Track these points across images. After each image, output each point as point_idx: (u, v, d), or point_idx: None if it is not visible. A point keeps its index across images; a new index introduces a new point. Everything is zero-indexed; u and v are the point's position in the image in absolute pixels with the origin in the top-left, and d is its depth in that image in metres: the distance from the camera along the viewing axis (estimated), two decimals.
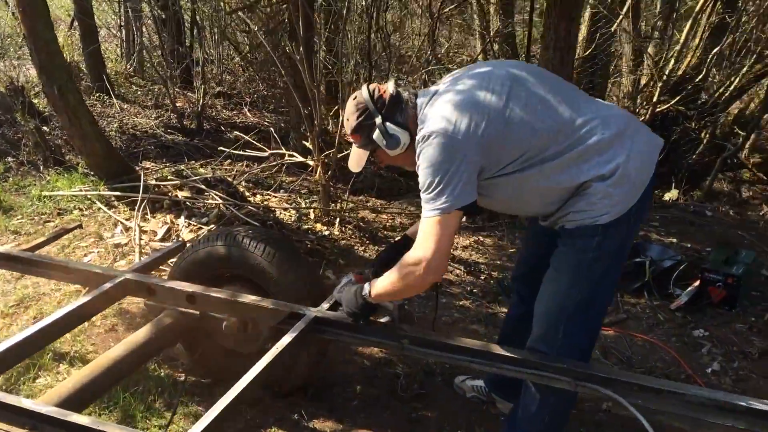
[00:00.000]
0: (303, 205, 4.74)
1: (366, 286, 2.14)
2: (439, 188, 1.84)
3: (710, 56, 5.51)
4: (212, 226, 4.00)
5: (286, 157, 4.57)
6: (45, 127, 5.91)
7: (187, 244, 3.12)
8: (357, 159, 2.10)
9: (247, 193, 4.76)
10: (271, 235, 2.72)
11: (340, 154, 4.40)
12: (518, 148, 1.90)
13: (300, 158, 4.43)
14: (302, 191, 5.01)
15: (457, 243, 4.31)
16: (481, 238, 4.42)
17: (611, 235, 1.96)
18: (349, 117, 2.04)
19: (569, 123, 1.91)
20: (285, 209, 4.53)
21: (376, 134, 1.99)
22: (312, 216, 4.47)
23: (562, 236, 2.03)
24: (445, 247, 1.89)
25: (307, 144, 4.53)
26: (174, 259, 3.00)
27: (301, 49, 4.10)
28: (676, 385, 1.91)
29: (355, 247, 4.14)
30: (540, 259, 2.15)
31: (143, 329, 2.49)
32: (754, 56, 5.51)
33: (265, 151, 4.72)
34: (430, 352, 2.23)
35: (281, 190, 5.02)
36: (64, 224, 4.06)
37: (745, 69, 5.52)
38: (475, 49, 7.85)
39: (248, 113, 7.89)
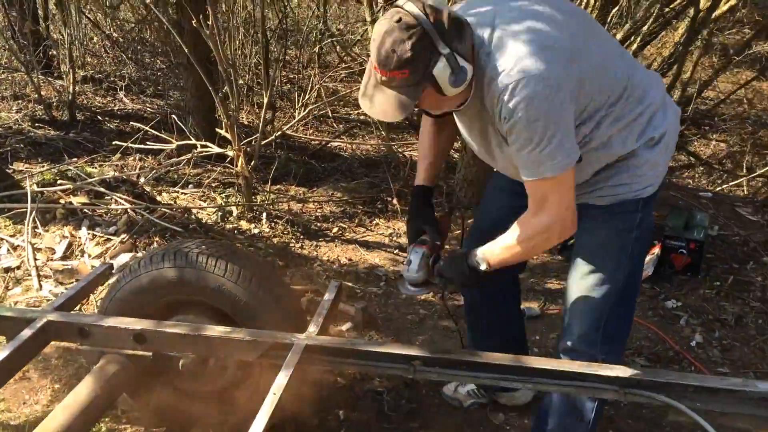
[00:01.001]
0: (219, 201, 4.23)
1: (477, 256, 1.81)
2: (555, 141, 1.56)
3: None
4: (123, 236, 3.42)
5: (198, 148, 4.02)
6: None
7: (116, 267, 2.59)
8: (398, 104, 1.56)
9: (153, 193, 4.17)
10: (232, 249, 2.28)
11: (264, 141, 3.94)
12: (595, 100, 1.66)
13: (217, 149, 3.92)
14: (214, 185, 4.48)
15: (398, 230, 4.02)
16: None
17: (650, 209, 1.84)
18: (395, 44, 1.49)
19: (631, 77, 1.71)
20: (203, 208, 4.01)
21: (439, 67, 1.53)
22: (235, 213, 3.98)
23: (588, 214, 1.82)
24: (573, 202, 1.68)
25: (222, 132, 4.02)
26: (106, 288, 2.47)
27: (210, 21, 3.57)
28: (732, 382, 1.74)
29: (291, 245, 3.73)
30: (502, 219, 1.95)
31: (83, 385, 1.98)
32: None
33: (171, 142, 4.14)
34: (449, 372, 1.93)
35: (189, 186, 4.46)
36: None
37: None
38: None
39: (126, 99, 7.08)
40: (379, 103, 1.58)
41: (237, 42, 6.85)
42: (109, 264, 2.49)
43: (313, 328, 2.06)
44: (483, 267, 1.80)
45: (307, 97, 5.73)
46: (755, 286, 3.22)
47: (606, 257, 1.86)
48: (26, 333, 2.01)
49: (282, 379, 1.80)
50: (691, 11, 4.75)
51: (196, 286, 2.16)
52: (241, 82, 6.19)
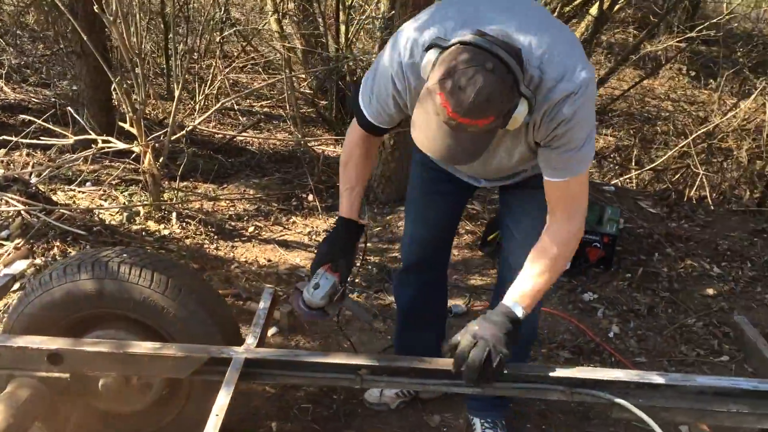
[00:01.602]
0: (122, 200, 3.96)
1: (510, 305, 1.69)
2: (591, 139, 1.62)
3: None
4: (18, 241, 3.12)
5: (100, 144, 3.73)
6: None
7: (11, 274, 2.34)
8: (473, 149, 1.45)
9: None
10: (157, 257, 2.11)
11: (174, 136, 3.72)
12: None
13: (121, 145, 3.65)
14: (115, 183, 4.19)
15: (316, 228, 3.93)
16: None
17: None
18: (488, 95, 1.35)
19: None
20: (107, 209, 3.73)
21: (520, 110, 1.44)
22: (141, 213, 3.74)
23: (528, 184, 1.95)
24: None
25: (125, 126, 3.75)
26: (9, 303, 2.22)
27: (114, 6, 3.30)
28: (672, 377, 1.81)
29: (205, 246, 3.55)
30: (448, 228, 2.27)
31: None
32: None
33: (67, 136, 3.82)
34: (397, 380, 1.88)
35: (87, 184, 4.15)
36: None
37: None
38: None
39: (6, 88, 6.48)
40: (447, 146, 1.43)
41: (135, 28, 6.46)
42: (11, 275, 2.25)
43: (251, 340, 1.96)
44: (521, 314, 1.69)
45: (209, 88, 5.49)
46: (662, 276, 3.41)
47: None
48: None
49: (223, 399, 1.69)
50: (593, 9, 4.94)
51: (118, 299, 1.98)
52: (137, 71, 5.84)
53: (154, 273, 1.99)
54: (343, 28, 5.93)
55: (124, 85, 3.48)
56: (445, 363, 1.87)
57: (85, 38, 3.77)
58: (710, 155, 5.89)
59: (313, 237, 3.78)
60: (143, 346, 1.87)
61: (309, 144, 5.19)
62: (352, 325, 2.95)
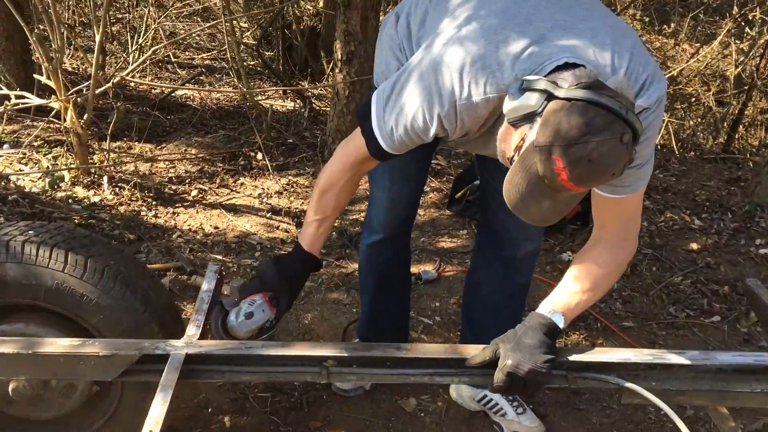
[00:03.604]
0: (45, 164, 3.51)
1: (552, 314, 1.47)
2: (654, 154, 1.45)
3: None
4: None
5: (13, 100, 3.25)
6: None
7: None
8: (565, 207, 1.27)
9: None
10: (73, 233, 1.74)
11: (98, 90, 3.27)
12: None
13: (37, 100, 3.19)
14: (36, 144, 3.72)
15: (267, 189, 3.56)
16: (292, 179, 3.72)
17: None
18: (614, 167, 1.16)
19: None
20: (26, 174, 3.28)
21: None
22: (67, 178, 3.30)
23: None
24: None
25: (42, 79, 3.28)
26: None
27: None
28: (689, 355, 1.56)
29: (143, 213, 3.16)
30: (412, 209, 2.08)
31: None
32: None
33: None
34: (371, 372, 1.59)
35: (4, 146, 3.66)
36: None
37: None
38: None
39: None
40: (548, 208, 1.23)
41: None
42: None
43: (193, 331, 1.63)
44: (562, 324, 1.49)
45: (143, 38, 4.98)
46: (643, 231, 3.19)
47: None
48: None
49: (158, 409, 1.36)
50: None
51: (25, 286, 1.62)
52: (50, 13, 5.26)
53: (69, 253, 1.63)
54: None
55: (36, 32, 3.01)
56: (426, 350, 1.61)
57: None
58: (674, 101, 5.72)
59: (264, 200, 3.43)
60: (58, 345, 1.52)
61: (255, 98, 4.75)
62: (311, 298, 2.65)
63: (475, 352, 1.53)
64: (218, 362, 1.56)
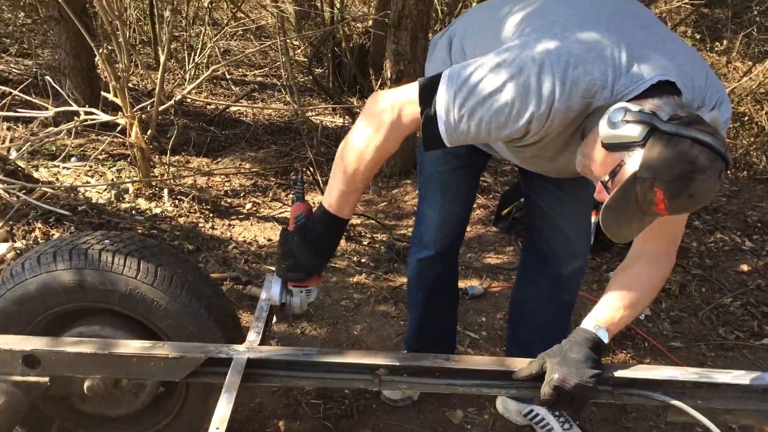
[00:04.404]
0: (110, 176, 3.70)
1: (596, 329, 1.51)
2: None
3: None
4: None
5: (82, 116, 3.45)
6: None
7: None
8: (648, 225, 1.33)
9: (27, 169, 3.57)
10: (144, 243, 1.86)
11: (162, 107, 3.45)
12: None
13: (105, 116, 3.37)
14: (102, 158, 3.92)
15: (317, 203, 3.66)
16: None
17: None
18: (708, 196, 1.24)
19: None
20: (93, 186, 3.47)
21: None
22: (131, 190, 3.48)
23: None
24: None
25: (109, 96, 3.47)
26: None
27: None
28: (735, 374, 1.59)
29: (200, 225, 3.30)
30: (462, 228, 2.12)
31: None
32: None
33: (47, 108, 3.53)
34: (420, 381, 1.66)
35: (72, 159, 3.88)
36: None
37: None
38: None
39: None
40: (635, 229, 1.30)
41: None
42: None
43: (253, 337, 1.72)
44: (607, 339, 1.53)
45: (199, 57, 5.20)
46: (692, 251, 3.19)
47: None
48: None
49: (224, 409, 1.46)
50: None
51: (102, 291, 1.75)
52: (119, 36, 5.53)
53: (141, 261, 1.75)
54: None
55: (105, 52, 3.19)
56: (474, 362, 1.66)
57: (60, 1, 3.46)
58: None
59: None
60: (131, 346, 1.63)
61: (306, 114, 4.90)
62: (360, 310, 2.73)
63: (522, 365, 1.58)
64: (277, 367, 1.65)
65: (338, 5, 6.08)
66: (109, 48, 3.64)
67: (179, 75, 5.93)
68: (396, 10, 3.61)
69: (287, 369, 1.66)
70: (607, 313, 1.55)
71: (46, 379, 1.66)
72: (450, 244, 2.13)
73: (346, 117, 5.29)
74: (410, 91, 1.43)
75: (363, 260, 3.09)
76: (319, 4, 6.10)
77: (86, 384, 1.75)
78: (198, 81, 3.92)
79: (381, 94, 1.48)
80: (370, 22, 6.19)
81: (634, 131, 1.21)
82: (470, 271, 3.04)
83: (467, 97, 1.33)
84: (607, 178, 1.28)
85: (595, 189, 1.38)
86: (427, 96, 1.38)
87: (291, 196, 3.75)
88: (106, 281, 1.73)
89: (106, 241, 1.80)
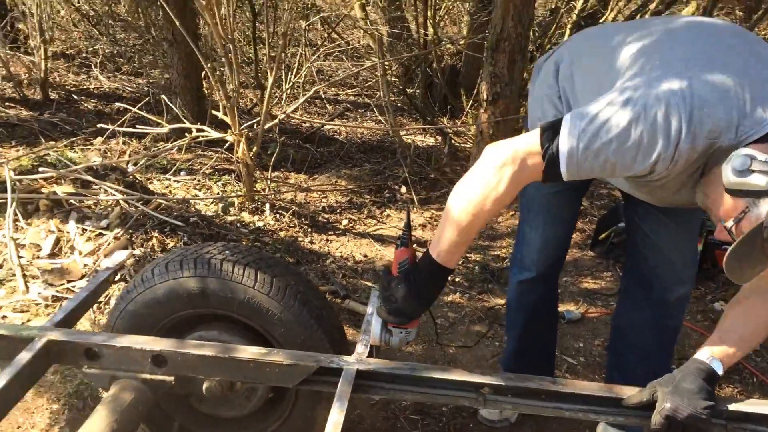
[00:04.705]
0: (216, 190, 3.91)
1: (710, 360, 1.51)
2: None
3: None
4: (117, 230, 3.09)
5: (194, 133, 3.68)
6: None
7: (111, 266, 2.28)
8: None
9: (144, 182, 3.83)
10: (260, 254, 1.98)
11: (267, 125, 3.62)
12: None
13: (215, 134, 3.58)
14: (208, 172, 4.15)
15: (412, 222, 3.74)
16: (435, 212, 3.89)
17: None
18: None
19: None
20: (203, 199, 3.68)
21: None
22: (235, 204, 3.67)
23: None
24: None
25: (219, 114, 3.68)
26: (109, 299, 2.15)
27: None
28: None
29: (300, 239, 3.44)
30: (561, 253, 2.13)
31: (97, 417, 1.68)
32: None
33: (162, 125, 3.79)
34: (525, 402, 1.68)
35: (182, 173, 4.12)
36: None
37: None
38: None
39: (101, 77, 6.63)
40: (758, 271, 1.30)
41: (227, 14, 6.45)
42: (113, 269, 2.18)
43: (361, 349, 1.79)
44: (721, 371, 1.52)
45: (296, 76, 5.41)
46: None
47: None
48: (24, 356, 1.70)
49: (337, 415, 1.53)
50: None
51: (222, 299, 1.87)
52: (230, 58, 5.84)
53: (258, 272, 1.86)
54: (430, 12, 5.71)
55: (218, 73, 3.40)
56: (582, 386, 1.66)
57: (177, 23, 3.71)
58: None
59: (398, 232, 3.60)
60: (249, 351, 1.74)
61: (400, 133, 5.00)
62: (455, 329, 2.76)
63: (631, 392, 1.57)
64: (384, 380, 1.71)
65: (432, 27, 6.18)
66: (221, 69, 3.86)
67: (277, 94, 6.19)
68: (494, 32, 3.66)
69: (393, 382, 1.72)
70: (721, 345, 1.52)
71: (172, 378, 1.79)
72: (551, 267, 2.14)
73: (437, 137, 5.36)
74: (530, 141, 1.43)
75: (457, 279, 3.13)
76: (413, 26, 6.22)
77: (205, 385, 1.86)
78: (301, 101, 4.09)
79: (498, 147, 1.48)
80: (463, 42, 6.26)
81: (761, 181, 1.20)
82: (566, 295, 3.01)
83: (592, 139, 1.33)
84: (731, 223, 1.28)
85: (701, 212, 1.39)
86: (550, 139, 1.39)
87: (386, 212, 3.85)
88: (226, 289, 1.85)
89: (227, 251, 1.92)
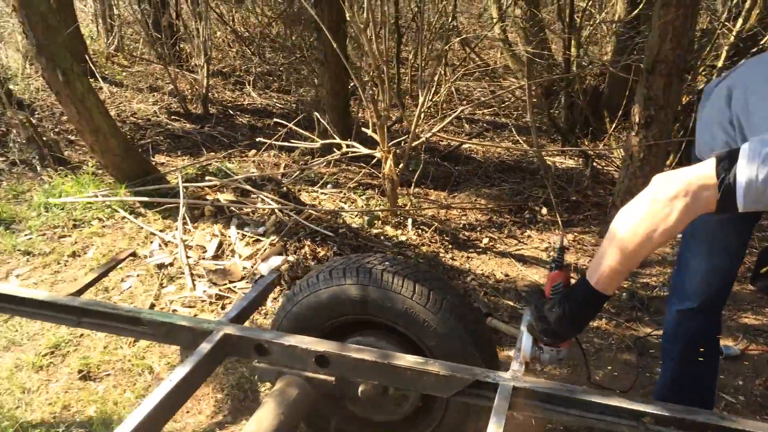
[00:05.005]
0: (360, 203, 4.07)
1: None
2: None
3: None
4: (273, 237, 3.31)
5: (344, 148, 3.86)
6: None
7: (266, 270, 2.44)
8: None
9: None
10: (417, 267, 2.05)
11: (415, 143, 3.73)
12: None
13: (364, 149, 3.74)
14: (352, 186, 4.32)
15: (554, 243, 3.70)
16: (578, 235, 3.81)
17: None
18: None
19: None
20: (352, 212, 3.84)
21: None
22: (379, 217, 3.80)
23: None
24: None
25: (369, 132, 3.84)
26: (276, 300, 2.32)
27: (366, 15, 3.38)
28: None
29: (441, 254, 3.50)
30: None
31: (266, 409, 1.81)
32: None
33: (315, 140, 4.01)
34: None
35: (328, 186, 4.33)
36: (116, 254, 3.28)
37: None
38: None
39: (254, 94, 7.11)
40: None
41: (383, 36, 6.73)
42: (277, 273, 2.34)
43: (517, 366, 1.80)
44: None
45: (436, 95, 5.51)
46: None
47: None
48: (205, 347, 1.88)
49: (494, 430, 1.56)
50: None
51: (381, 307, 1.95)
52: (366, 78, 6.09)
53: (417, 284, 1.93)
54: (575, 33, 5.62)
55: (369, 92, 3.55)
56: (755, 426, 1.58)
57: (335, 45, 3.91)
58: None
59: (551, 253, 3.56)
60: (407, 359, 1.80)
61: (543, 154, 4.95)
62: (601, 356, 2.69)
63: None
64: (540, 399, 1.71)
65: (575, 49, 6.07)
66: (374, 89, 4.02)
67: (413, 112, 6.33)
68: (650, 54, 3.54)
69: (549, 402, 1.71)
70: None
71: (333, 378, 1.90)
72: (714, 298, 2.05)
73: (578, 158, 5.25)
74: (704, 172, 1.38)
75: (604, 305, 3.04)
76: (555, 47, 6.15)
77: (360, 388, 1.96)
78: (447, 120, 4.17)
79: (669, 178, 1.44)
80: (608, 64, 6.10)
81: None
82: (724, 330, 2.83)
83: None
84: None
85: None
86: (726, 168, 1.35)
87: (527, 232, 3.82)
88: (385, 298, 1.94)
89: (387, 262, 2.01)
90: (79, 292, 2.23)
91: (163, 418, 1.71)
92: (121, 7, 8.05)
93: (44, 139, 4.63)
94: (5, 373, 2.54)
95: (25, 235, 3.59)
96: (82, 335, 2.75)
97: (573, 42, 5.63)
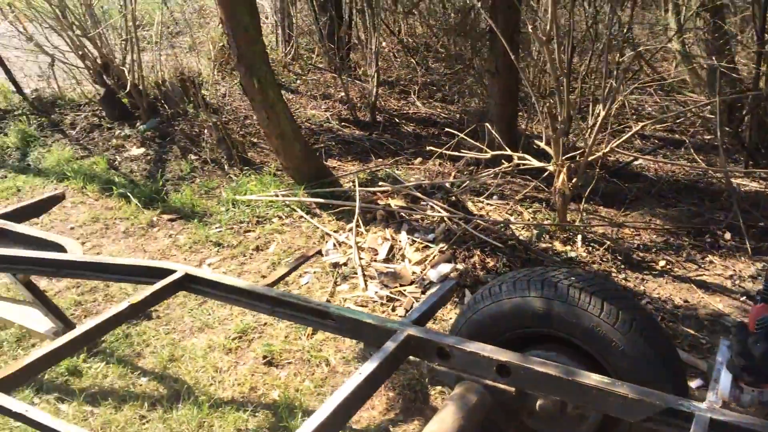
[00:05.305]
0: (526, 216, 4.02)
1: None
2: None
3: None
4: (442, 245, 3.37)
5: (516, 160, 3.85)
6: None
7: (436, 277, 2.49)
8: None
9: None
10: (605, 285, 2.00)
11: (591, 157, 3.64)
12: None
13: (536, 162, 3.71)
14: (518, 198, 4.29)
15: (739, 272, 3.42)
16: (767, 264, 3.50)
17: None
18: None
19: None
20: (520, 224, 3.82)
21: None
22: (548, 232, 3.74)
23: None
24: None
25: (542, 145, 3.80)
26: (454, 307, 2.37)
27: (549, 26, 3.34)
28: None
29: (613, 274, 3.37)
30: None
31: (447, 413, 1.86)
32: None
33: (485, 151, 4.03)
34: None
35: (494, 197, 4.33)
36: (304, 251, 3.53)
37: None
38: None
39: (418, 103, 7.27)
40: None
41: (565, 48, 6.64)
42: (455, 281, 2.39)
43: (713, 397, 1.71)
44: None
45: (606, 109, 5.30)
46: None
47: None
48: (389, 345, 1.96)
49: None
50: None
51: (566, 322, 1.93)
52: (562, 90, 5.96)
53: (605, 302, 1.89)
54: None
55: (546, 107, 3.51)
56: None
57: (512, 56, 3.91)
58: None
59: (737, 282, 3.31)
60: (593, 378, 1.76)
61: (729, 175, 4.60)
62: None
63: None
64: None
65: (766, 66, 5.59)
66: (551, 101, 3.97)
67: (580, 125, 6.15)
68: None
69: None
70: None
71: (512, 389, 1.90)
72: None
73: (766, 182, 4.83)
74: None
75: None
76: (740, 59, 5.70)
77: (539, 402, 1.95)
78: (626, 136, 4.02)
79: None
80: None
81: None
82: None
83: None
84: None
85: None
86: None
87: (708, 257, 3.58)
88: (571, 314, 1.91)
89: (573, 277, 1.98)
90: (273, 283, 2.43)
91: (354, 407, 1.81)
92: (298, 18, 8.57)
93: (232, 140, 5.06)
94: (201, 352, 2.80)
95: (216, 228, 3.95)
96: (265, 324, 2.98)
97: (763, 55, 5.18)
